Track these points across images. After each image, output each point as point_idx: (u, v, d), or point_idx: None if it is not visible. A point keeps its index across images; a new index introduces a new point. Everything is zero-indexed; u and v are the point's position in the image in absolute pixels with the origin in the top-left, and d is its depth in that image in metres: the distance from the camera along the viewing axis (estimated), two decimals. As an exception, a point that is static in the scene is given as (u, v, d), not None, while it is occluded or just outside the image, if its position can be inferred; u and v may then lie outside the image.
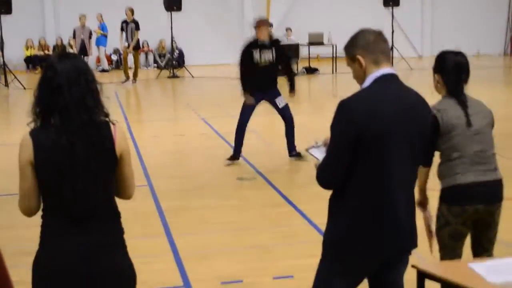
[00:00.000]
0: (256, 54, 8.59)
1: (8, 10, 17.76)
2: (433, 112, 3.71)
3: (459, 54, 4.00)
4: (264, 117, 13.08)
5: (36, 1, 22.85)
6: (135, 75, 18.62)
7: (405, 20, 23.98)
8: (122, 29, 18.35)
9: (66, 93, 2.80)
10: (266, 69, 8.59)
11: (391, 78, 3.10)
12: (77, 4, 22.09)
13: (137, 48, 18.56)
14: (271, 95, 8.77)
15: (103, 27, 21.14)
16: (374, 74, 3.07)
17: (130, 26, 18.21)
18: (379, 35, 3.16)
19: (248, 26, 24.26)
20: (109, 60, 23.06)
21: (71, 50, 21.38)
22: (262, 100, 8.83)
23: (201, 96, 16.59)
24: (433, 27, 25.77)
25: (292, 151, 8.86)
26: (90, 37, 20.72)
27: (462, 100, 3.89)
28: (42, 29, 23.14)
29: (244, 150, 9.07)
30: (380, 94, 3.04)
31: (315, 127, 11.64)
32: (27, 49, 22.59)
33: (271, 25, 21.92)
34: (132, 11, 18.27)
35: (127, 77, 18.50)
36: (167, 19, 20.37)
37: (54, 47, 22.62)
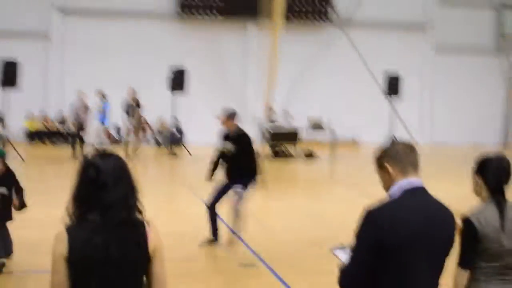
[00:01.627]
0: (223, 144, 8.98)
1: (12, 83, 18.00)
2: (471, 218, 3.77)
3: (501, 157, 4.09)
4: (260, 200, 13.09)
5: (40, 76, 23.25)
6: (135, 151, 18.73)
7: (403, 109, 24.35)
8: (126, 111, 18.59)
9: (111, 191, 2.83)
10: (230, 159, 8.80)
11: (420, 191, 3.18)
12: (81, 80, 22.45)
13: (138, 126, 18.77)
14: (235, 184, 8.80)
15: (105, 106, 21.29)
16: (402, 183, 3.16)
17: (132, 106, 18.47)
18: (409, 146, 3.27)
19: (248, 111, 24.67)
20: (109, 136, 23.22)
21: (70, 126, 21.33)
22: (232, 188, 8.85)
23: (199, 175, 16.55)
24: (431, 115, 26.21)
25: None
26: (87, 113, 19.92)
27: (502, 209, 3.87)
28: (45, 102, 23.44)
29: (244, 234, 9.00)
30: (407, 206, 3.10)
31: (312, 211, 11.66)
32: (28, 122, 22.78)
33: (272, 109, 22.39)
34: (133, 92, 18.60)
35: (126, 155, 18.54)
36: (167, 97, 20.62)
37: (61, 122, 22.87)
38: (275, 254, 8.54)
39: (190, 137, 23.59)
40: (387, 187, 3.23)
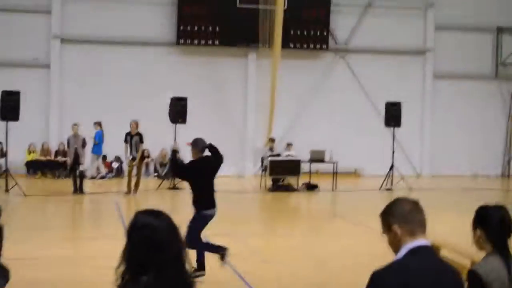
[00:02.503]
0: None
1: (15, 117, 17.95)
2: (478, 270, 3.68)
3: (502, 209, 3.97)
4: (263, 237, 12.91)
5: (41, 106, 23.22)
6: (136, 185, 18.62)
7: (405, 140, 24.32)
8: (126, 141, 18.47)
9: (166, 251, 2.81)
10: None
11: (426, 251, 3.12)
12: (79, 110, 22.46)
13: (141, 159, 18.78)
14: None
15: (97, 136, 21.16)
16: (410, 245, 3.09)
17: (134, 139, 18.40)
18: (415, 205, 3.20)
19: (249, 142, 24.62)
20: (109, 167, 23.12)
21: (68, 158, 20.72)
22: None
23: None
24: (432, 147, 26.10)
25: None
26: (83, 146, 19.23)
27: (509, 264, 3.79)
28: (46, 134, 23.38)
29: (248, 276, 8.90)
30: (414, 268, 3.04)
31: (315, 250, 11.52)
32: (29, 154, 22.69)
33: (273, 140, 22.31)
34: (136, 124, 18.53)
35: (129, 191, 18.45)
36: (169, 129, 20.52)
37: (56, 152, 22.80)
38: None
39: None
40: (395, 249, 3.16)
